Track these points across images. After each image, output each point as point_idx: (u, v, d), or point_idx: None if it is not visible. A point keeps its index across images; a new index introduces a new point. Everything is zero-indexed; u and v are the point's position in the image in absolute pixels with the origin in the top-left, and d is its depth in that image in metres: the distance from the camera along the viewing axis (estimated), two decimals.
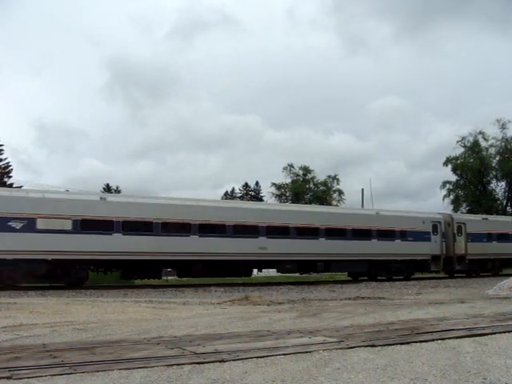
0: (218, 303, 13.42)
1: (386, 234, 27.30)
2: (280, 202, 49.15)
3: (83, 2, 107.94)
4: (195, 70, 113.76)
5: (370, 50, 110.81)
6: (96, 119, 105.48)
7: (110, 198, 23.15)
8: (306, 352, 5.32)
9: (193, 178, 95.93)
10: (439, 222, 29.34)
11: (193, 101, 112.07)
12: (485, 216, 33.39)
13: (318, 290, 20.09)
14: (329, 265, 25.54)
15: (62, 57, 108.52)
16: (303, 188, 50.68)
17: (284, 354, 5.19)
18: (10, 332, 7.49)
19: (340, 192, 51.34)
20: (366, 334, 6.57)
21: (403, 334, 6.61)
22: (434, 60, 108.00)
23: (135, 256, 20.61)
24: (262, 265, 26.31)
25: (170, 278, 32.17)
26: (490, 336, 6.46)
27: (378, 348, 5.59)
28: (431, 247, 28.58)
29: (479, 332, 6.69)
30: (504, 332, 6.75)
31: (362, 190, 47.38)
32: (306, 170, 51.61)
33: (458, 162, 48.73)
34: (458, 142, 49.39)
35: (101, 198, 21.53)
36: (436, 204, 52.07)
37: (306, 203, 47.06)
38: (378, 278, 26.77)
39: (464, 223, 30.26)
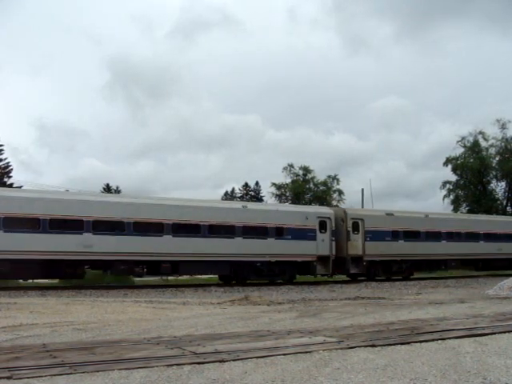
0: (218, 303, 13.42)
1: (256, 232, 23.17)
2: (280, 202, 49.14)
3: (83, 2, 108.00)
4: (196, 70, 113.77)
5: (371, 50, 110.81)
6: (96, 119, 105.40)
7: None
8: (306, 352, 5.33)
9: (193, 178, 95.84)
10: (328, 218, 25.26)
11: (193, 100, 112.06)
12: (390, 211, 29.32)
13: (318, 290, 20.09)
14: (177, 266, 21.62)
15: (63, 56, 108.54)
16: (303, 188, 50.63)
17: (284, 354, 5.19)
18: (10, 332, 7.49)
19: (340, 192, 51.32)
20: (365, 334, 6.57)
21: (403, 334, 6.62)
22: (435, 60, 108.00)
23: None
24: (93, 265, 21.40)
25: (169, 277, 32.13)
26: (490, 336, 6.46)
27: (378, 348, 5.59)
28: (317, 247, 24.48)
29: (479, 332, 6.70)
30: (504, 332, 6.75)
31: (362, 190, 47.35)
32: (306, 169, 51.57)
33: (458, 162, 48.70)
34: (458, 142, 49.40)
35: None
36: (436, 204, 52.04)
37: (305, 203, 47.05)
38: (248, 281, 23.19)
39: (361, 219, 26.14)
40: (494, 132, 48.72)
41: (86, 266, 20.93)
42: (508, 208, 49.40)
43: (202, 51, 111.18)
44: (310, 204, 46.43)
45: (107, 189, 62.62)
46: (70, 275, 20.74)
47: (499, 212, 45.87)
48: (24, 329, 7.90)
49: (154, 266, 21.51)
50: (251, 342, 6.06)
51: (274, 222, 23.73)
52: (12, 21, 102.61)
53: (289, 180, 51.55)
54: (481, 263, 30.91)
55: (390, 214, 28.09)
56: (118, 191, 61.69)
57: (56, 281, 23.02)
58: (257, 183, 74.79)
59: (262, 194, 72.16)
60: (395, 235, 27.19)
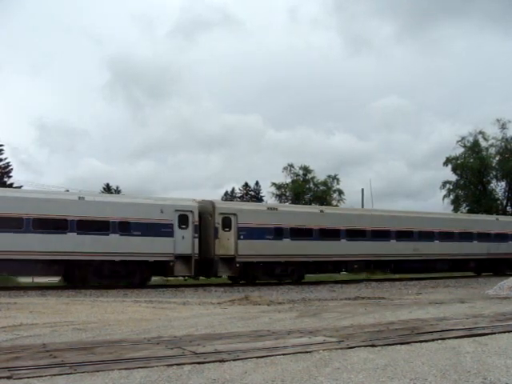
0: (218, 303, 13.41)
1: (95, 227, 20.42)
2: (280, 202, 49.12)
3: (83, 2, 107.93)
4: (196, 70, 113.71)
5: (372, 50, 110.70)
6: (96, 119, 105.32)
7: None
8: (306, 352, 5.33)
9: (193, 177, 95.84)
10: (190, 212, 21.98)
11: (194, 100, 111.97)
12: (274, 205, 26.26)
13: (318, 289, 20.09)
14: None
15: (63, 56, 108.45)
16: (303, 188, 50.59)
17: (284, 354, 5.19)
18: (10, 332, 7.49)
19: (340, 192, 51.30)
20: (365, 334, 6.57)
21: (403, 333, 6.62)
22: (435, 59, 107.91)
23: None
24: None
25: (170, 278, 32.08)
26: (489, 336, 6.46)
27: (378, 348, 5.59)
28: (176, 245, 21.41)
29: (479, 332, 6.70)
30: (504, 332, 6.75)
31: (362, 190, 47.26)
32: (306, 169, 51.54)
33: (458, 161, 48.68)
34: (457, 141, 49.36)
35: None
36: (436, 204, 51.97)
37: (305, 203, 47.04)
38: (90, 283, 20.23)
39: (234, 214, 22.72)
40: (494, 132, 48.71)
41: None
42: (508, 208, 49.40)
43: (203, 51, 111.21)
44: (310, 204, 46.43)
45: (107, 189, 62.63)
46: None
47: (499, 212, 45.85)
48: (24, 329, 7.90)
49: None
50: (251, 341, 6.06)
51: (118, 215, 20.78)
52: (12, 21, 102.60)
53: (289, 180, 51.56)
54: (393, 265, 27.71)
55: (272, 209, 24.92)
56: (117, 191, 61.70)
57: (56, 281, 23.00)
58: (257, 183, 74.80)
59: (262, 194, 72.21)
60: (279, 233, 23.72)
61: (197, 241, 21.92)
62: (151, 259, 21.33)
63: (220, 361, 4.87)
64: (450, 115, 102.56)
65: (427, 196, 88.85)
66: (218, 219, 22.51)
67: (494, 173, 49.49)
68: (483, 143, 48.93)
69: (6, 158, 49.59)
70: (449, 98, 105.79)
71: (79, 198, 21.04)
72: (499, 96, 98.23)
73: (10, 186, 42.92)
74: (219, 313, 10.64)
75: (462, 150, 49.23)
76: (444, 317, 8.96)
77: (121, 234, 20.77)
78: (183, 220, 21.86)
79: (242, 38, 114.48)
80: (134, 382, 4.16)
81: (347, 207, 31.35)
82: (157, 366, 4.62)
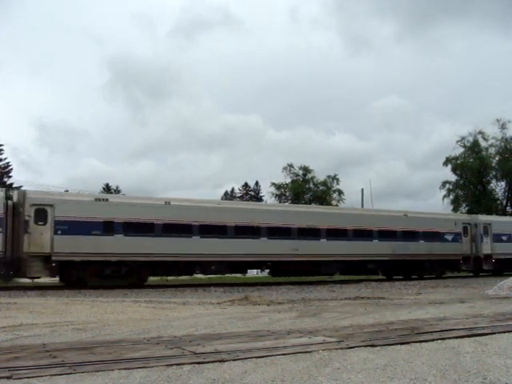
0: (218, 303, 13.41)
1: None
2: (280, 202, 49.10)
3: (84, 1, 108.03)
4: (196, 70, 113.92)
5: (372, 50, 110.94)
6: (96, 119, 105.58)
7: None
8: (306, 352, 5.32)
9: (193, 177, 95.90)
10: None
11: (194, 100, 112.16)
12: (103, 195, 22.61)
13: (318, 289, 20.09)
14: None
15: (63, 56, 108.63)
16: (303, 188, 50.63)
17: (284, 354, 5.19)
18: (10, 332, 7.49)
19: (340, 192, 51.30)
20: (365, 334, 6.57)
21: (403, 333, 6.61)
22: (436, 59, 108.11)
23: None
24: None
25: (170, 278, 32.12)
26: (489, 336, 6.46)
27: (378, 348, 5.59)
28: None
29: (479, 332, 6.70)
30: (504, 332, 6.75)
31: (362, 190, 47.30)
32: (306, 169, 51.57)
33: (458, 161, 48.71)
34: (457, 141, 49.42)
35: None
36: (436, 204, 51.96)
37: (305, 203, 47.02)
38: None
39: (51, 205, 19.65)
40: (493, 132, 48.78)
41: None
42: (508, 208, 49.40)
43: (203, 51, 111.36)
44: (310, 204, 46.39)
45: (107, 189, 62.62)
46: None
47: (499, 212, 45.81)
48: (24, 329, 7.89)
49: None
50: (251, 341, 6.06)
51: None
52: (12, 21, 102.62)
53: (289, 180, 51.58)
54: (265, 266, 25.30)
55: (101, 200, 21.61)
56: (117, 191, 61.70)
57: (56, 281, 22.99)
58: (256, 183, 74.93)
59: (261, 194, 72.23)
60: (109, 228, 20.63)
61: (1, 236, 19.02)
62: None
63: (220, 361, 4.87)
64: (451, 115, 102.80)
65: (427, 196, 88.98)
66: (30, 211, 19.39)
67: (494, 173, 49.54)
68: (483, 143, 49.04)
69: (5, 158, 49.75)
70: (449, 98, 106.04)
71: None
72: (499, 96, 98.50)
73: (10, 186, 42.92)
74: (219, 313, 10.64)
75: (462, 150, 49.34)
76: (444, 317, 8.96)
77: None
78: None
79: (242, 37, 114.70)
80: (134, 381, 4.16)
81: (201, 199, 25.83)
82: (156, 366, 4.62)
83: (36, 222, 19.49)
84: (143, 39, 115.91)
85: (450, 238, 29.32)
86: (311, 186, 51.61)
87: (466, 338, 6.26)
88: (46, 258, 19.56)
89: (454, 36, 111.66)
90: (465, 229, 30.36)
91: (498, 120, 48.31)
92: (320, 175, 52.24)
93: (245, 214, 23.58)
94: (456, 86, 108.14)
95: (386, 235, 26.77)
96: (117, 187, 64.12)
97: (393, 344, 5.81)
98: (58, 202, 20.19)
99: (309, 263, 24.71)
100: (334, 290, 20.02)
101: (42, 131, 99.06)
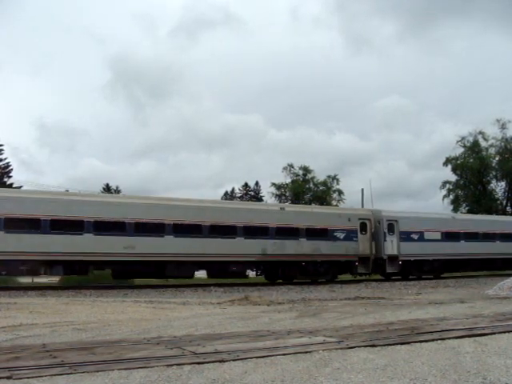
0: (218, 303, 13.41)
1: None
2: (280, 202, 49.09)
3: (84, 1, 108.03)
4: (197, 69, 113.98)
5: (373, 50, 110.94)
6: (97, 119, 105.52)
7: None
8: (306, 352, 5.32)
9: (194, 177, 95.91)
10: None
11: (195, 100, 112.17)
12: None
13: (318, 289, 20.10)
14: None
15: (63, 56, 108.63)
16: (303, 188, 50.66)
17: (284, 354, 5.19)
18: (10, 332, 7.49)
19: (340, 192, 51.31)
20: (365, 334, 6.57)
21: (403, 334, 6.61)
22: (437, 59, 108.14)
23: None
24: None
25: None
26: (489, 336, 6.46)
27: (378, 348, 5.59)
28: None
29: (479, 332, 6.69)
30: (504, 332, 6.74)
31: (362, 189, 47.24)
32: (306, 169, 51.60)
33: (458, 162, 48.73)
34: (457, 142, 49.46)
35: None
36: (437, 204, 51.99)
37: (305, 203, 47.02)
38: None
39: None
40: (493, 132, 48.82)
41: None
42: (508, 208, 49.41)
43: (204, 50, 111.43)
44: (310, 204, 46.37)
45: (107, 189, 62.60)
46: None
47: (499, 212, 45.82)
48: (24, 329, 7.89)
49: None
50: (251, 342, 6.06)
51: None
52: (12, 21, 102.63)
53: (289, 180, 51.59)
54: (92, 267, 21.27)
55: None
56: (117, 191, 61.68)
57: (56, 281, 23.00)
58: (256, 183, 74.88)
59: (261, 194, 72.21)
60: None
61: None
62: None
63: (220, 361, 4.87)
64: (452, 115, 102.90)
65: (428, 196, 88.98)
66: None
67: (494, 173, 49.57)
68: (483, 143, 49.08)
69: (5, 158, 49.74)
70: (449, 98, 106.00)
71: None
72: (499, 96, 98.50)
73: (10, 186, 42.93)
74: (219, 313, 10.64)
75: (462, 150, 49.36)
76: (444, 317, 8.96)
77: None
78: None
79: (244, 37, 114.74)
80: (134, 382, 4.16)
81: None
82: (157, 366, 4.62)
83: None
84: (145, 39, 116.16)
85: (341, 236, 25.32)
86: (311, 186, 51.64)
87: (466, 338, 6.26)
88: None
89: (455, 36, 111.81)
90: (363, 225, 26.26)
91: (498, 120, 48.38)
92: (320, 175, 52.32)
93: (68, 206, 19.93)
94: (456, 86, 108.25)
95: (254, 232, 23.06)
96: (117, 187, 64.13)
97: (393, 344, 5.81)
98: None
99: (149, 263, 21.34)
100: (334, 290, 20.03)
101: (43, 131, 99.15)
